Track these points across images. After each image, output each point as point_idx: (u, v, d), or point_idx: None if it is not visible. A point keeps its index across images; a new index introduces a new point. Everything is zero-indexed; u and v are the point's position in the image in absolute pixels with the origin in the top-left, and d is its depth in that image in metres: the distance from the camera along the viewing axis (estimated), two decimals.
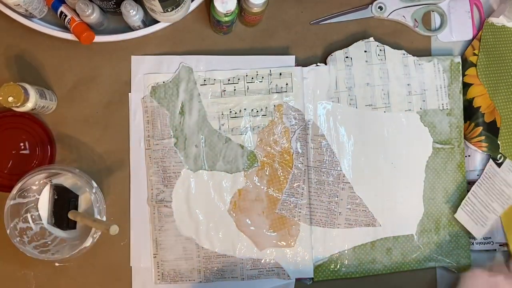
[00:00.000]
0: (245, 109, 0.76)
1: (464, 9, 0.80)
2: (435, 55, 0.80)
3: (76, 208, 0.74)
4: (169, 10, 0.69)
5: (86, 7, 0.69)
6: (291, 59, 0.77)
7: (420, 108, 0.77)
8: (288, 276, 0.76)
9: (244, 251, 0.76)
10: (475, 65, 0.78)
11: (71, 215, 0.72)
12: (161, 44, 0.77)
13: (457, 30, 0.80)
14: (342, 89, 0.77)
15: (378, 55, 0.77)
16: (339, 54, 0.77)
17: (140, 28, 0.74)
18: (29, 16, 0.73)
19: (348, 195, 0.77)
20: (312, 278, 0.76)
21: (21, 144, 0.74)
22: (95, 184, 0.71)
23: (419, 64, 0.77)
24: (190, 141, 0.76)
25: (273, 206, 0.76)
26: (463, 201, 0.77)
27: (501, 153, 0.77)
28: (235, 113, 0.76)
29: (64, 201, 0.73)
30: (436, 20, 0.80)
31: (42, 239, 0.73)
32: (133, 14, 0.70)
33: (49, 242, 0.73)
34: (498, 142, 0.77)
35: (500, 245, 0.78)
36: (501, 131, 0.77)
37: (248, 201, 0.76)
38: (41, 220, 0.75)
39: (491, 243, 0.78)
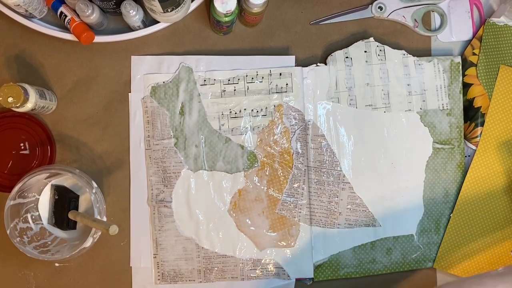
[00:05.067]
0: (245, 109, 0.76)
1: (464, 9, 0.80)
2: (435, 55, 0.80)
3: (76, 208, 0.74)
4: (169, 10, 0.69)
5: (86, 7, 0.69)
6: (291, 59, 0.77)
7: (420, 108, 0.77)
8: (288, 276, 0.76)
9: (244, 251, 0.76)
10: (475, 65, 0.78)
11: (71, 215, 0.72)
12: (161, 44, 0.77)
13: (457, 30, 0.80)
14: (342, 89, 0.77)
15: (378, 55, 0.77)
16: (339, 54, 0.77)
17: (140, 28, 0.74)
18: (29, 16, 0.73)
19: (348, 195, 0.77)
20: (312, 278, 0.76)
21: (21, 144, 0.74)
22: (95, 184, 0.71)
23: (419, 64, 0.77)
24: (190, 141, 0.76)
25: (273, 206, 0.76)
26: None
27: None
28: (235, 113, 0.76)
29: (64, 201, 0.73)
30: (436, 20, 0.80)
31: (42, 239, 0.73)
32: (133, 14, 0.70)
33: (49, 242, 0.73)
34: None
35: None
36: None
37: (248, 201, 0.76)
38: (41, 220, 0.75)
39: None
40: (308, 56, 0.79)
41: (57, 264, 0.76)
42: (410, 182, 0.77)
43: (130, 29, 0.75)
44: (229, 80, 0.76)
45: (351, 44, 0.77)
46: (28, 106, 0.68)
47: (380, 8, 0.78)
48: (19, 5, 0.68)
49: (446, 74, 0.78)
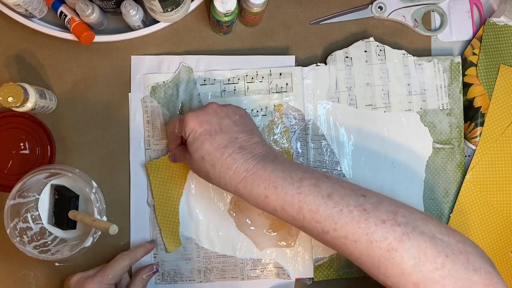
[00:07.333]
0: (245, 109, 0.76)
1: (464, 9, 0.80)
2: (435, 55, 0.80)
3: (76, 208, 0.74)
4: (169, 10, 0.69)
5: (86, 7, 0.69)
6: (291, 59, 0.77)
7: (420, 108, 0.77)
8: (288, 276, 0.76)
9: (244, 251, 0.76)
10: (475, 65, 0.78)
11: (71, 215, 0.72)
12: (161, 44, 0.77)
13: (457, 30, 0.80)
14: (342, 89, 0.77)
15: (378, 55, 0.77)
16: (339, 54, 0.77)
17: (140, 28, 0.74)
18: (29, 16, 0.73)
19: None
20: (312, 278, 0.76)
21: (21, 144, 0.74)
22: (95, 184, 0.71)
23: (419, 64, 0.77)
24: None
25: None
26: None
27: None
28: None
29: (64, 201, 0.73)
30: (436, 20, 0.80)
31: (42, 239, 0.73)
32: (133, 14, 0.70)
33: (49, 242, 0.73)
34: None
35: None
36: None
37: None
38: (41, 220, 0.75)
39: None
40: (308, 56, 0.79)
41: (57, 264, 0.76)
42: (410, 182, 0.77)
43: (130, 29, 0.75)
44: (229, 80, 0.76)
45: (351, 44, 0.77)
46: (28, 106, 0.68)
47: (380, 8, 0.78)
48: (19, 4, 0.68)
49: (446, 74, 0.78)
